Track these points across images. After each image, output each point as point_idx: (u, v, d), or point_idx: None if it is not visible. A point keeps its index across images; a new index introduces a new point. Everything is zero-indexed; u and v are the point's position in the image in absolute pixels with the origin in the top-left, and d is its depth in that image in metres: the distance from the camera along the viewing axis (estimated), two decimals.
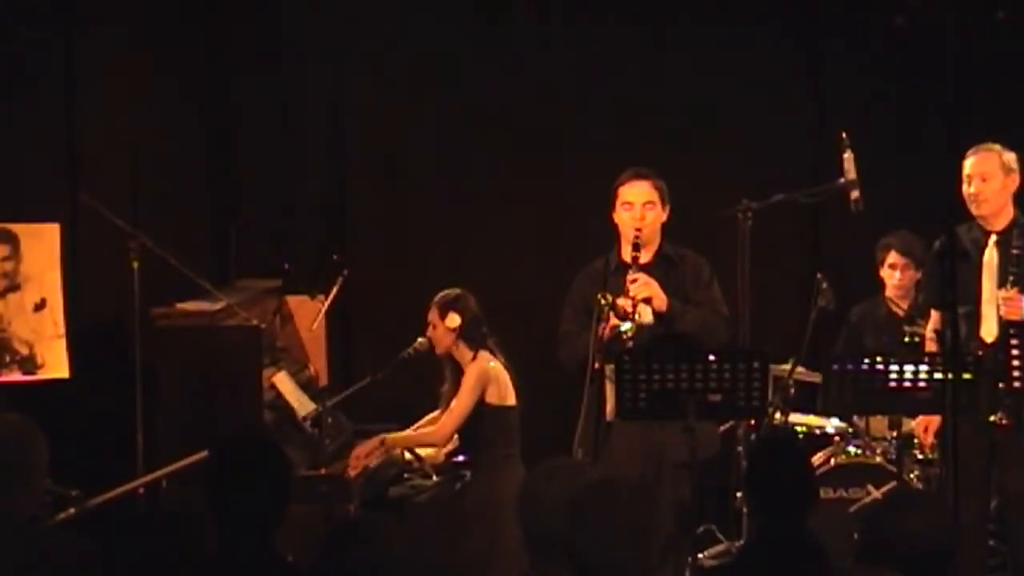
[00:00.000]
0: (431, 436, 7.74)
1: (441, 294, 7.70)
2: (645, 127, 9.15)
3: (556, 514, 4.29)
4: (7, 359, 7.63)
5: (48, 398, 7.46)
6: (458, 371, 7.68)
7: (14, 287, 7.66)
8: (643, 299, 7.06)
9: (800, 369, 7.95)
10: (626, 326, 6.94)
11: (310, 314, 8.42)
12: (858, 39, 9.16)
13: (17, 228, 7.69)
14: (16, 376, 7.63)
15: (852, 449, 8.02)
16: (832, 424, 8.22)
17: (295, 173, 9.50)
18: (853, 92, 9.13)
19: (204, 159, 9.39)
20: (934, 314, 7.41)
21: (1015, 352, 6.86)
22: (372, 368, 7.69)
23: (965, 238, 7.18)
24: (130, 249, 7.76)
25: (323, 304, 8.32)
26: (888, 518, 4.44)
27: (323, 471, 7.44)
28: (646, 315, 7.12)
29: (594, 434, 7.03)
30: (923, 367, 6.83)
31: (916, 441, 7.78)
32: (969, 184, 7.20)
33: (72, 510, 6.33)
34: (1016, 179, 7.27)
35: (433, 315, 7.66)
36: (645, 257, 7.25)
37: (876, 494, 7.61)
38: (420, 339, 7.70)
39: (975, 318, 7.16)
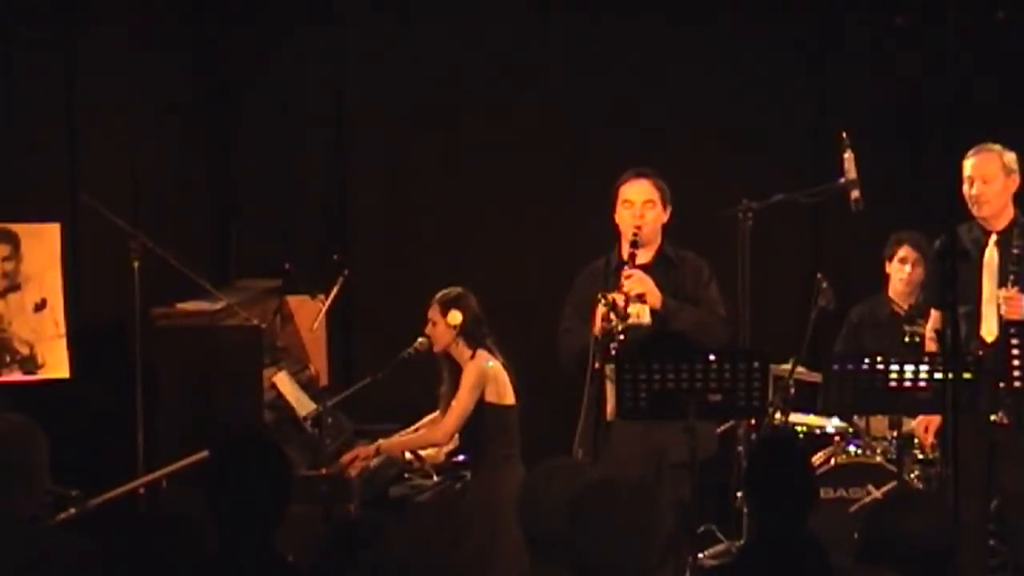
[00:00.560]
0: (431, 437, 7.74)
1: (442, 292, 7.71)
2: (645, 127, 9.15)
3: (556, 514, 4.29)
4: (7, 359, 7.63)
5: (48, 398, 7.46)
6: (456, 370, 7.68)
7: (14, 287, 7.66)
8: (636, 295, 7.07)
9: (800, 369, 7.95)
10: (613, 320, 6.93)
11: (310, 314, 8.42)
12: (858, 39, 9.16)
13: (17, 228, 7.69)
14: (16, 376, 7.63)
15: (852, 449, 8.02)
16: (832, 424, 8.22)
17: (295, 173, 9.51)
18: (853, 92, 9.13)
19: (204, 159, 9.40)
20: (934, 314, 7.41)
21: (1015, 352, 6.86)
22: (372, 368, 7.69)
23: (965, 238, 7.18)
24: (130, 249, 7.76)
25: (323, 304, 8.32)
26: (888, 518, 4.44)
27: (323, 471, 7.44)
28: (644, 315, 7.12)
29: (594, 434, 7.03)
30: (923, 367, 6.83)
31: (916, 441, 7.78)
32: (971, 185, 7.20)
33: (72, 510, 6.33)
34: (1016, 179, 7.27)
35: (434, 312, 7.66)
36: (645, 257, 7.25)
37: (876, 494, 7.61)
38: (420, 339, 7.70)
39: (975, 318, 7.16)
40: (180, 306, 7.96)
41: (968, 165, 7.22)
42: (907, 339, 7.74)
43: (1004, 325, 7.03)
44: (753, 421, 7.43)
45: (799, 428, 8.24)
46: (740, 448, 7.66)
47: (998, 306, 7.11)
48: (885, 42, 9.03)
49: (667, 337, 7.10)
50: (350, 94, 9.44)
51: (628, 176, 7.32)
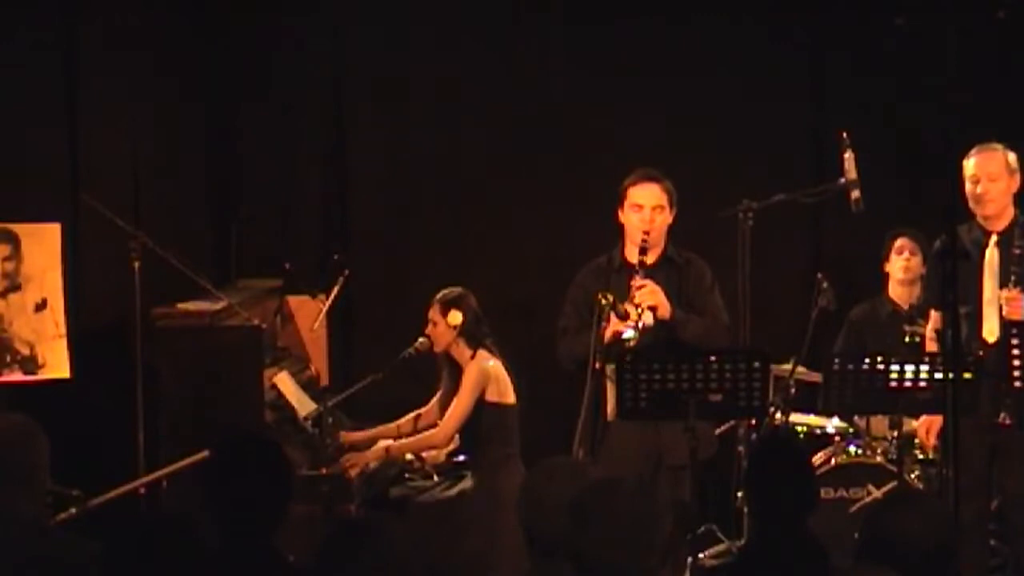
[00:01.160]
0: (433, 438, 7.75)
1: (443, 292, 7.72)
2: (645, 127, 9.15)
3: (557, 513, 4.29)
4: (8, 359, 7.63)
5: (49, 398, 7.46)
6: (456, 370, 7.69)
7: (15, 287, 7.66)
8: (649, 307, 7.04)
9: (800, 369, 7.94)
10: (629, 334, 6.92)
11: (311, 314, 8.42)
12: (858, 39, 9.16)
13: (18, 228, 7.68)
14: (17, 376, 7.62)
15: (852, 449, 8.02)
16: (832, 424, 8.22)
17: (295, 173, 9.51)
18: (853, 92, 9.13)
19: (205, 159, 9.40)
20: (934, 314, 7.41)
21: (1016, 352, 6.86)
22: (373, 368, 7.70)
23: (965, 238, 7.18)
24: (131, 249, 7.76)
25: (324, 304, 8.32)
26: (888, 518, 4.43)
27: (324, 471, 7.45)
28: (646, 317, 7.11)
29: (594, 434, 7.03)
30: (923, 367, 6.84)
31: (916, 441, 7.78)
32: (976, 184, 7.19)
33: (73, 510, 6.32)
34: (1018, 179, 7.27)
35: (434, 312, 7.66)
36: (650, 259, 7.22)
37: (876, 494, 7.61)
38: (421, 339, 7.70)
39: (976, 318, 7.16)
40: (180, 306, 7.97)
41: (972, 164, 7.22)
42: (907, 339, 7.74)
43: (1005, 325, 7.03)
44: (753, 421, 7.43)
45: (799, 428, 8.24)
46: (740, 448, 7.66)
47: (1000, 306, 7.11)
48: (885, 42, 9.02)
49: (672, 344, 7.09)
50: (350, 94, 9.45)
51: (637, 178, 7.24)
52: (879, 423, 7.96)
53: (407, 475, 7.95)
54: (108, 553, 4.19)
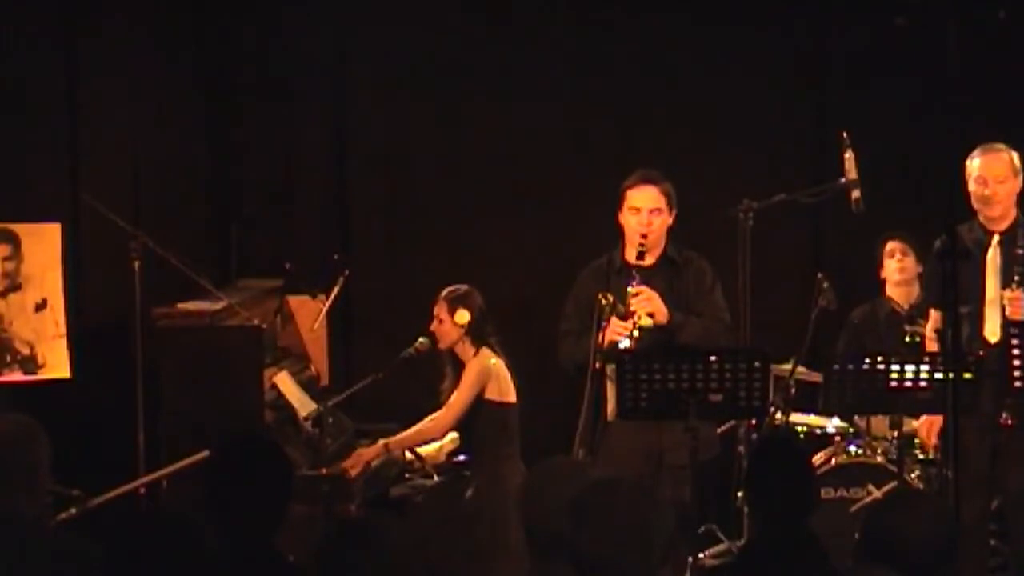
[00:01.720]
0: (430, 430, 7.73)
1: (449, 289, 7.71)
2: (646, 127, 9.16)
3: (557, 513, 4.30)
4: (8, 359, 7.63)
5: (49, 398, 7.46)
6: (460, 367, 7.69)
7: (15, 287, 7.66)
8: (646, 314, 7.03)
9: (801, 369, 7.94)
10: (624, 344, 6.92)
11: (311, 314, 8.42)
12: (858, 39, 9.16)
13: (18, 228, 7.69)
14: (17, 376, 7.63)
15: (853, 449, 8.02)
16: (833, 424, 8.22)
17: (295, 173, 9.51)
18: (853, 92, 9.13)
19: (205, 159, 9.40)
20: (934, 314, 7.41)
21: (1016, 352, 6.86)
22: (373, 368, 7.69)
23: (966, 238, 7.18)
24: (131, 249, 7.77)
25: (324, 304, 8.32)
26: (888, 518, 4.44)
27: (324, 471, 7.45)
28: (644, 321, 7.10)
29: (594, 434, 7.04)
30: (924, 367, 6.84)
31: (917, 441, 7.78)
32: (983, 185, 7.19)
33: (73, 510, 6.33)
34: (1021, 180, 7.28)
35: (441, 310, 7.66)
36: (649, 259, 7.22)
37: (877, 494, 7.61)
38: (421, 339, 7.70)
39: (978, 318, 7.16)
40: (181, 306, 7.97)
41: (977, 165, 7.21)
42: (907, 339, 7.74)
43: (1007, 325, 7.03)
44: (753, 421, 7.43)
45: (800, 428, 8.24)
46: (741, 448, 7.66)
47: (1002, 306, 7.11)
48: (885, 42, 9.02)
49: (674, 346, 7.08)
50: (350, 94, 9.45)
51: (636, 180, 7.23)
52: (879, 423, 7.95)
53: (407, 475, 7.95)
54: (108, 553, 4.19)
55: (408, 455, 7.86)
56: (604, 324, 6.97)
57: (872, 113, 8.98)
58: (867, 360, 6.91)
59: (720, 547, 8.19)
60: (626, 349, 6.90)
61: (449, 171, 9.41)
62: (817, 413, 8.15)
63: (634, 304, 7.00)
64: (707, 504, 7.76)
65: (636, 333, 6.94)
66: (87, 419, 8.10)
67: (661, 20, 9.22)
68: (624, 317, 6.98)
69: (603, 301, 6.99)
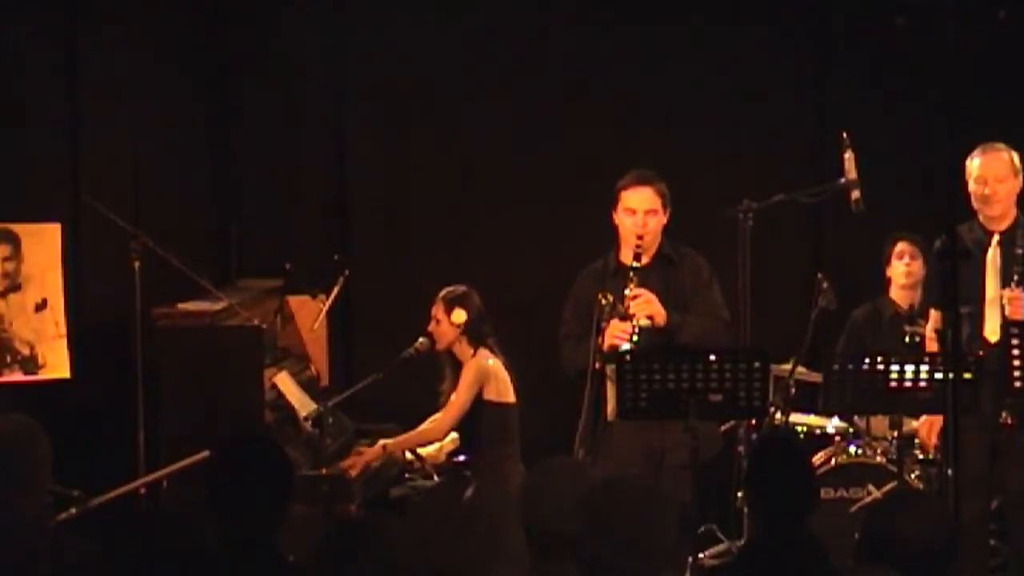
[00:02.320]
0: (430, 433, 7.74)
1: (447, 290, 7.72)
2: (645, 127, 9.16)
3: (558, 513, 4.30)
4: (8, 359, 7.63)
5: (49, 398, 7.47)
6: (458, 367, 7.69)
7: (15, 287, 7.66)
8: (646, 316, 7.03)
9: (801, 369, 7.95)
10: (624, 347, 6.92)
11: (311, 314, 8.42)
12: (858, 39, 9.16)
13: (18, 228, 7.69)
14: (17, 376, 7.63)
15: (853, 449, 8.02)
16: (833, 424, 8.22)
17: (295, 173, 9.51)
18: (853, 92, 9.13)
19: (205, 159, 9.40)
20: (934, 314, 7.41)
21: (1016, 352, 6.86)
22: (373, 368, 7.69)
23: (966, 237, 7.18)
24: (131, 249, 7.77)
25: (324, 304, 8.32)
26: (888, 518, 4.44)
27: (324, 471, 7.45)
28: (643, 323, 7.09)
29: (594, 434, 7.04)
30: (924, 367, 6.84)
31: (917, 441, 7.78)
32: (983, 185, 7.20)
33: (73, 510, 6.33)
34: (1021, 179, 7.28)
35: (438, 310, 7.67)
36: (644, 259, 7.21)
37: (876, 494, 7.61)
38: (421, 339, 7.70)
39: (978, 318, 7.16)
40: (181, 306, 7.97)
41: (977, 165, 7.22)
42: (908, 339, 7.74)
43: (1006, 325, 7.03)
44: (753, 421, 7.42)
45: (799, 428, 8.24)
46: (741, 448, 7.66)
47: (1002, 306, 7.11)
48: (885, 42, 9.02)
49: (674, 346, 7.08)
50: (350, 94, 9.45)
51: (630, 181, 7.23)
52: (879, 423, 7.95)
53: (407, 475, 7.95)
54: (108, 553, 4.19)
55: (408, 455, 7.87)
56: (604, 325, 6.97)
57: (872, 113, 8.98)
58: (867, 360, 6.91)
59: (720, 547, 8.19)
60: (625, 355, 6.90)
61: (449, 171, 9.41)
62: (817, 413, 8.15)
63: (633, 307, 7.00)
64: (707, 504, 7.76)
65: (635, 338, 6.94)
66: (87, 419, 8.10)
67: (661, 20, 9.22)
68: (624, 318, 6.98)
69: (603, 301, 6.99)
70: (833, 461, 7.97)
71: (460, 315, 7.61)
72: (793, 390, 7.96)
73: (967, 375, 6.60)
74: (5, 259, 7.65)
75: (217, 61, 9.37)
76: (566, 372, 7.23)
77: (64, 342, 7.69)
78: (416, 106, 9.38)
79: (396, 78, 9.33)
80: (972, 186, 7.23)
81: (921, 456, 7.87)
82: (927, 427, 7.61)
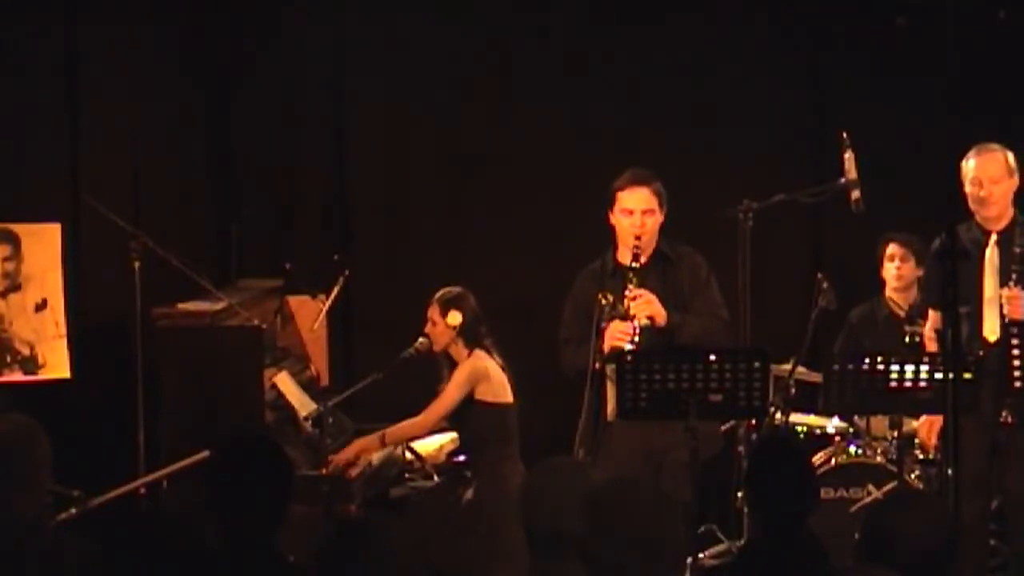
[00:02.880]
0: (415, 427, 7.70)
1: (442, 291, 7.72)
2: (645, 127, 9.16)
3: (558, 513, 4.30)
4: (8, 359, 7.63)
5: (49, 398, 7.47)
6: (455, 368, 7.68)
7: (15, 287, 7.66)
8: (646, 316, 7.03)
9: (800, 369, 7.95)
10: (626, 348, 6.92)
11: (311, 314, 8.42)
12: (858, 39, 9.16)
13: (18, 228, 7.69)
14: (17, 376, 7.63)
15: (853, 449, 8.02)
16: (832, 424, 8.22)
17: (296, 173, 9.51)
18: (853, 92, 9.13)
19: (205, 159, 9.41)
20: (933, 314, 7.41)
21: (1016, 352, 6.86)
22: (373, 368, 7.69)
23: (964, 237, 7.18)
24: (131, 249, 7.77)
25: (324, 304, 8.32)
26: (888, 518, 4.44)
27: (324, 471, 7.45)
28: (642, 320, 7.09)
29: (594, 434, 7.04)
30: (923, 367, 6.84)
31: (917, 441, 7.79)
32: (979, 186, 7.20)
33: (73, 510, 6.33)
34: (1017, 179, 7.29)
35: (434, 312, 7.67)
36: (642, 259, 7.21)
37: (877, 494, 7.61)
38: (421, 339, 7.70)
39: (977, 317, 7.17)
40: (181, 306, 7.97)
41: (972, 166, 7.22)
42: (907, 339, 7.74)
43: (1006, 325, 7.03)
44: (753, 421, 7.43)
45: (799, 428, 8.24)
46: (741, 447, 7.66)
47: (1001, 306, 7.11)
48: (885, 42, 9.02)
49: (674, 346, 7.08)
50: (350, 94, 9.45)
51: (626, 181, 7.23)
52: (879, 423, 7.95)
53: (407, 475, 7.95)
54: (108, 553, 4.19)
55: (408, 455, 7.86)
56: (604, 325, 6.97)
57: (872, 113, 8.98)
58: (867, 360, 6.91)
59: (720, 547, 8.20)
60: (628, 352, 6.90)
61: (449, 171, 9.41)
62: (817, 413, 8.15)
63: (633, 307, 7.00)
64: (707, 504, 7.77)
65: (636, 339, 6.94)
66: (87, 419, 8.10)
67: (661, 20, 9.22)
68: (624, 318, 6.98)
69: (603, 302, 6.99)
70: (833, 461, 7.97)
71: (455, 317, 7.61)
72: (793, 390, 7.96)
73: (967, 375, 6.60)
74: (5, 259, 7.65)
75: (217, 61, 9.37)
76: (566, 373, 7.23)
77: (64, 342, 7.69)
78: (416, 106, 9.38)
79: (396, 78, 9.33)
80: (968, 188, 7.23)
81: (921, 456, 7.86)
82: (927, 427, 7.62)
